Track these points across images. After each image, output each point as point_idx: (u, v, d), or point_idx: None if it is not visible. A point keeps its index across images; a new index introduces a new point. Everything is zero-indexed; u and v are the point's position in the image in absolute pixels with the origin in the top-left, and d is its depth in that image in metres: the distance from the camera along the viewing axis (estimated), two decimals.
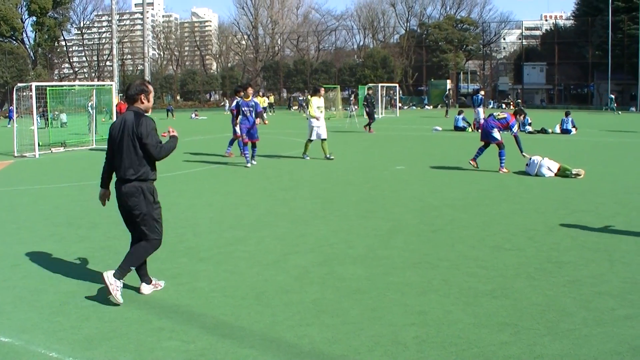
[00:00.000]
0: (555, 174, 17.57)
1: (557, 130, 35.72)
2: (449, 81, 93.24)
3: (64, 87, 36.43)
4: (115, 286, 7.35)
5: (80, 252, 9.93)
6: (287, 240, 10.55)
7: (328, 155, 22.45)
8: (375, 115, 50.39)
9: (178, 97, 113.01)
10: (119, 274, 7.46)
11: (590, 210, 12.88)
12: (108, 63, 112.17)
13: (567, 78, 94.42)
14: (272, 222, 12.08)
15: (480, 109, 37.35)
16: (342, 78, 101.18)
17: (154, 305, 7.34)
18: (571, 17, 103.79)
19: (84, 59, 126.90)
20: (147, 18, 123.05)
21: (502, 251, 9.68)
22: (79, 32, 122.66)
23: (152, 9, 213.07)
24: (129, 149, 7.55)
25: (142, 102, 7.75)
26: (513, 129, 18.22)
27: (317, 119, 21.95)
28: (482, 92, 40.61)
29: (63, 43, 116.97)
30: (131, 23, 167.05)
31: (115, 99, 33.51)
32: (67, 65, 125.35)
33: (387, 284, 8.04)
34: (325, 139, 22.48)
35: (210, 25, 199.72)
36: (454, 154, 20.05)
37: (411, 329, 6.52)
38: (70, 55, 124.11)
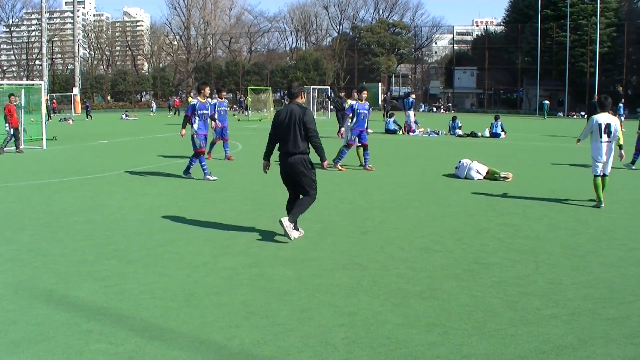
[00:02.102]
0: (484, 177, 17.83)
1: (487, 134, 36.20)
2: (380, 84, 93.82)
3: None
4: (290, 227, 10.40)
5: (7, 254, 9.74)
6: (216, 242, 10.51)
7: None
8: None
9: (109, 98, 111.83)
10: (292, 219, 10.51)
11: (518, 212, 13.11)
12: (37, 62, 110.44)
13: (497, 83, 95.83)
14: (202, 223, 12.02)
15: (411, 112, 37.83)
16: (274, 80, 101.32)
17: (82, 308, 7.25)
18: (502, 23, 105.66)
19: (13, 57, 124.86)
20: (78, 17, 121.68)
21: (431, 253, 9.79)
22: (8, 29, 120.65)
23: (83, 8, 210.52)
24: (295, 132, 10.40)
25: (302, 98, 11.00)
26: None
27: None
28: (413, 96, 41.07)
29: None
30: (61, 22, 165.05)
31: (44, 98, 32.98)
32: None
33: (317, 285, 8.07)
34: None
35: (142, 25, 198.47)
36: (384, 156, 20.17)
37: (340, 329, 6.56)
38: None
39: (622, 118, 40.36)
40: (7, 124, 27.11)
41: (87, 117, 66.57)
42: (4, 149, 27.04)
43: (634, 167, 20.47)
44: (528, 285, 8.09)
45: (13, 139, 27.33)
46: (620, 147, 13.92)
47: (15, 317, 6.98)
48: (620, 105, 41.80)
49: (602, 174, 13.93)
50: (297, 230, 10.76)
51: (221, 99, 21.82)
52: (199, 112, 18.02)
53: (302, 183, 10.58)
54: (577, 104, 79.23)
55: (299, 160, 10.44)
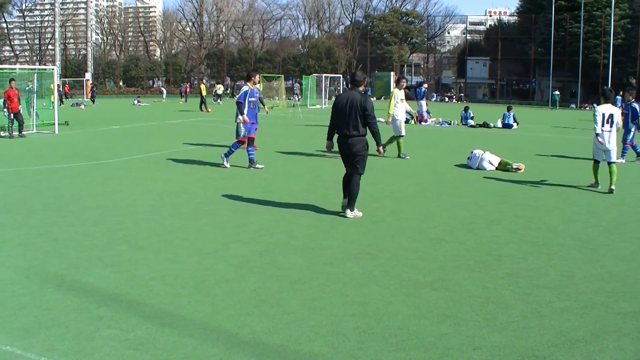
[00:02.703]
0: (497, 168, 17.76)
1: (499, 124, 36.10)
2: (392, 74, 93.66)
3: (4, 70, 35.71)
4: (356, 213, 11.76)
5: (18, 238, 9.76)
6: (227, 229, 10.50)
7: (403, 154, 20.49)
8: (317, 106, 50.21)
9: (121, 83, 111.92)
10: (352, 206, 11.76)
11: (529, 204, 13.05)
12: (50, 47, 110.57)
13: (509, 73, 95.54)
14: (213, 210, 12.02)
15: (423, 102, 37.75)
16: (286, 67, 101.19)
17: (93, 294, 7.25)
18: (515, 14, 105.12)
19: (26, 42, 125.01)
20: (91, 2, 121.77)
21: (442, 243, 9.76)
22: (21, 14, 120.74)
23: None
24: (355, 116, 11.37)
25: (364, 86, 12.23)
26: None
27: (390, 117, 20.25)
28: (425, 85, 40.97)
29: (4, 25, 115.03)
30: (74, 7, 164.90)
31: (57, 83, 32.97)
32: (7, 48, 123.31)
33: (328, 275, 8.05)
34: (403, 136, 20.66)
35: (155, 12, 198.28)
36: (394, 145, 20.11)
37: (351, 319, 6.54)
38: (11, 37, 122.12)
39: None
40: (5, 109, 27.14)
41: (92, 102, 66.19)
42: (13, 133, 27.10)
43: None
44: (540, 277, 8.06)
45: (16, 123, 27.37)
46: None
47: (26, 301, 6.98)
48: (618, 97, 41.56)
49: (606, 161, 14.83)
50: (354, 211, 11.82)
51: (251, 86, 21.70)
52: (249, 98, 17.72)
53: (355, 161, 11.64)
54: (589, 95, 78.87)
55: (356, 142, 11.49)
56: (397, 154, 20.48)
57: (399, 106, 20.21)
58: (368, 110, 11.36)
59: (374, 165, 18.32)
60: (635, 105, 20.04)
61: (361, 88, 11.86)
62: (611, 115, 14.66)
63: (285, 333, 6.18)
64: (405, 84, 21.01)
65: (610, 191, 14.59)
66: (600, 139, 14.72)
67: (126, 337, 6.05)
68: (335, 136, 11.97)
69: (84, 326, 6.29)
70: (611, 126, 14.68)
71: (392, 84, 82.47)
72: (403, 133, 20.31)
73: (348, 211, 11.72)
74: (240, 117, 17.47)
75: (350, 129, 11.41)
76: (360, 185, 11.62)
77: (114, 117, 43.04)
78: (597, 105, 15.59)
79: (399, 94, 20.31)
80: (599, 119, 14.73)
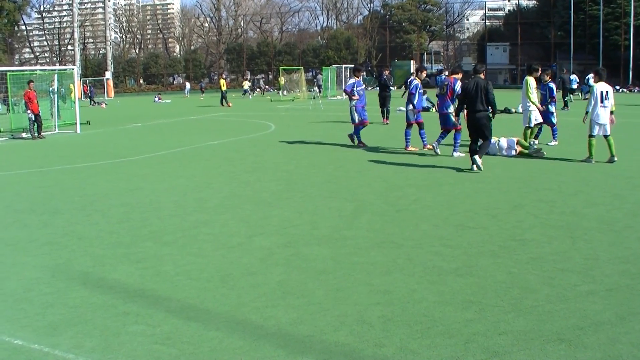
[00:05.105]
0: (518, 153, 17.66)
1: (520, 109, 35.83)
2: (412, 62, 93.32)
3: (25, 72, 35.97)
4: (480, 163, 15.03)
5: (43, 238, 9.85)
6: (251, 223, 10.53)
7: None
8: (337, 97, 50.15)
9: (141, 81, 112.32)
10: (480, 156, 15.14)
11: (552, 188, 12.99)
12: (69, 47, 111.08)
13: (529, 58, 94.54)
14: (236, 204, 12.06)
15: None
16: (305, 59, 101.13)
17: (119, 290, 7.30)
18: None
19: (45, 43, 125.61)
20: (109, 1, 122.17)
21: (466, 230, 9.74)
22: (40, 16, 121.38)
23: None
24: (480, 96, 15.11)
25: (484, 74, 15.99)
26: (456, 89, 18.07)
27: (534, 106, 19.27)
28: (446, 73, 40.72)
29: (23, 27, 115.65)
30: (92, 6, 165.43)
31: (78, 83, 33.16)
32: (27, 49, 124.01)
33: (352, 264, 8.06)
34: (532, 127, 19.46)
35: (173, 8, 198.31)
36: (417, 133, 20.07)
37: (376, 308, 6.55)
38: (30, 39, 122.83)
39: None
40: (29, 111, 27.34)
41: (90, 103, 62.43)
42: (36, 134, 27.31)
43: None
44: (564, 261, 8.02)
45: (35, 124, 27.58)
46: (611, 112, 16.05)
47: (53, 300, 7.04)
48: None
49: (603, 135, 15.94)
50: (480, 157, 15.15)
51: (358, 77, 21.73)
52: (356, 89, 20.58)
53: (484, 131, 15.35)
54: (611, 78, 78.21)
55: (483, 116, 15.30)
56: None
57: (534, 95, 19.07)
58: (490, 92, 15.08)
59: (395, 155, 18.31)
60: (552, 85, 19.84)
61: (482, 75, 15.76)
62: (607, 92, 15.86)
63: (311, 323, 6.20)
64: (425, 74, 20.83)
65: (611, 161, 15.89)
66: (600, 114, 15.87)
67: (153, 332, 6.09)
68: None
69: (111, 323, 6.34)
70: (607, 102, 15.82)
71: (413, 72, 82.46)
72: (532, 124, 19.21)
73: (476, 157, 15.08)
74: (352, 101, 20.62)
75: (478, 106, 15.15)
76: (383, 173, 11.62)
77: (135, 115, 43.24)
78: (620, 87, 16.10)
79: (533, 82, 19.19)
80: (598, 96, 15.85)
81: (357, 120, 20.69)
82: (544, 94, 19.90)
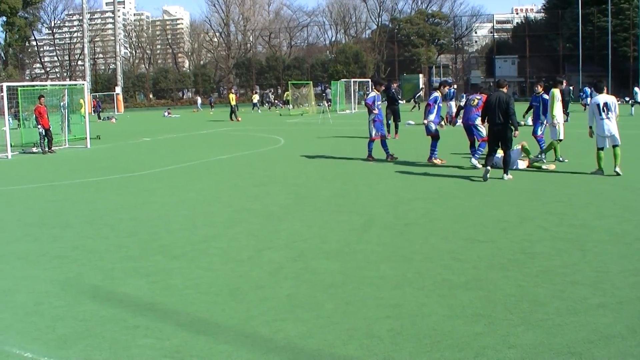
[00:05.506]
0: (528, 166, 17.65)
1: (529, 122, 35.80)
2: (421, 76, 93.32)
3: (36, 87, 36.13)
4: (509, 176, 15.92)
5: (54, 251, 9.88)
6: (260, 236, 10.54)
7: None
8: (347, 111, 50.11)
9: (151, 96, 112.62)
10: (506, 170, 16.02)
11: (562, 200, 12.97)
12: (80, 62, 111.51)
13: (538, 70, 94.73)
14: (245, 218, 12.07)
15: (452, 103, 37.57)
16: (314, 74, 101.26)
17: (128, 304, 7.31)
18: (542, 10, 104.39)
19: (56, 58, 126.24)
20: (119, 17, 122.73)
21: (476, 243, 9.72)
22: (50, 31, 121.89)
23: (123, 8, 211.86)
24: (501, 109, 15.54)
25: (506, 88, 16.55)
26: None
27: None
28: (455, 86, 40.78)
29: (34, 43, 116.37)
30: (102, 22, 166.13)
31: (88, 98, 33.29)
32: (38, 65, 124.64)
33: (361, 278, 8.05)
34: (562, 139, 19.21)
35: (182, 23, 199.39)
36: (426, 147, 20.09)
37: (386, 321, 6.54)
38: (41, 55, 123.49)
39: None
40: (39, 125, 27.49)
41: (99, 118, 62.48)
42: (46, 149, 27.44)
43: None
44: (575, 274, 8.00)
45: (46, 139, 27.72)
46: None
47: (62, 313, 7.06)
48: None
49: (611, 146, 15.82)
50: (508, 175, 16.02)
51: (378, 92, 21.79)
52: (377, 102, 20.93)
53: (505, 142, 15.90)
54: (620, 89, 78.13)
55: (504, 127, 15.69)
56: (554, 157, 19.17)
57: (558, 107, 18.85)
58: (510, 106, 15.53)
59: (405, 168, 18.31)
60: (546, 96, 19.66)
61: (504, 89, 16.31)
62: (606, 104, 15.80)
63: (320, 337, 6.20)
64: (447, 89, 21.53)
65: (617, 173, 15.63)
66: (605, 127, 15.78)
67: (162, 345, 6.10)
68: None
69: (120, 336, 6.35)
70: (608, 113, 15.76)
71: (421, 85, 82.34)
72: (562, 137, 18.96)
73: (505, 175, 15.89)
74: (371, 114, 20.75)
75: (498, 118, 15.63)
76: (392, 187, 11.61)
77: (144, 129, 43.37)
78: (630, 99, 16.22)
79: (558, 95, 18.96)
80: (595, 109, 15.97)
81: (374, 134, 20.70)
82: (537, 106, 19.77)
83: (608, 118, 15.72)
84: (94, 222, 12.11)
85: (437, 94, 19.79)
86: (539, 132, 19.70)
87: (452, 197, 13.74)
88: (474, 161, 17.53)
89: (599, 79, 17.05)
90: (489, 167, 15.73)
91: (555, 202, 12.86)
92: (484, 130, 17.76)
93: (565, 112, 36.72)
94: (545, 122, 19.44)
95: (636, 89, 48.35)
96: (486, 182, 15.40)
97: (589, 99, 41.09)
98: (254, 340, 6.16)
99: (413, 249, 9.46)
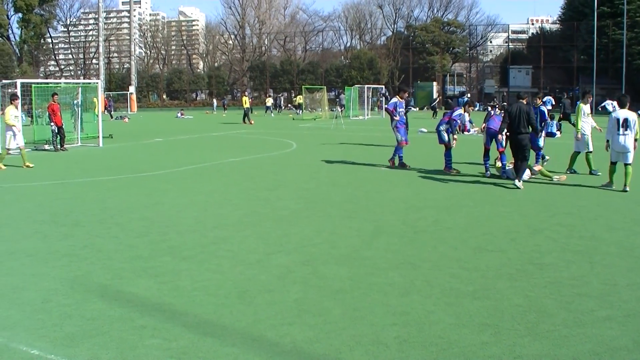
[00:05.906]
0: (533, 174, 17.64)
1: (542, 133, 35.77)
2: (435, 83, 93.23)
3: (50, 85, 36.26)
4: (521, 184, 16.16)
5: (63, 250, 9.92)
6: (270, 240, 10.56)
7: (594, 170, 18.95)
8: (360, 117, 50.07)
9: (164, 96, 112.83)
10: (520, 177, 16.34)
11: (572, 212, 12.95)
12: (94, 61, 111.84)
13: (552, 81, 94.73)
14: (256, 221, 12.08)
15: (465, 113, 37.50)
16: (328, 79, 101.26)
17: (137, 304, 7.34)
18: (557, 22, 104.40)
19: (70, 56, 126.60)
20: (134, 16, 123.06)
21: (484, 252, 9.72)
22: (65, 29, 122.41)
23: (139, 7, 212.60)
24: (522, 119, 16.33)
25: (526, 99, 17.13)
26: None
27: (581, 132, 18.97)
28: (468, 95, 40.77)
29: (49, 40, 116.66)
30: (118, 21, 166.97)
31: (101, 97, 33.38)
32: (52, 62, 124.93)
33: (370, 285, 8.06)
34: (591, 151, 19.04)
35: (197, 25, 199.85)
36: (439, 155, 20.07)
37: (393, 329, 6.55)
38: (56, 52, 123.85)
39: None
40: (52, 123, 27.61)
41: (111, 118, 62.22)
42: (58, 146, 27.54)
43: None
44: (582, 286, 8.00)
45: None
46: (635, 140, 15.66)
47: (70, 311, 7.09)
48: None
49: (623, 163, 15.64)
50: (520, 182, 16.28)
51: (402, 99, 21.82)
52: (399, 109, 20.85)
53: (524, 151, 16.38)
54: (634, 102, 77.81)
55: (525, 137, 16.43)
56: (588, 170, 19.04)
57: (587, 121, 19.02)
58: (531, 116, 16.44)
59: (416, 176, 18.31)
60: (544, 108, 20.03)
61: (525, 100, 16.88)
62: (626, 119, 15.60)
63: (327, 342, 6.21)
64: (473, 109, 22.92)
65: (624, 190, 15.49)
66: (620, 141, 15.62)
67: (169, 346, 6.12)
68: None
69: (127, 335, 6.38)
70: (626, 129, 15.58)
71: (435, 94, 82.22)
72: (591, 148, 18.91)
73: (516, 181, 16.21)
74: (394, 121, 20.79)
75: (519, 128, 16.36)
76: (403, 195, 11.60)
77: (157, 129, 43.46)
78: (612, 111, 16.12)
79: (585, 109, 19.14)
80: (614, 124, 15.73)
81: (399, 139, 20.68)
82: (535, 117, 19.83)
83: (625, 135, 15.55)
84: (104, 221, 12.15)
85: (460, 110, 20.46)
86: (541, 143, 19.87)
87: (462, 206, 13.74)
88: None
89: (624, 94, 16.87)
90: (516, 181, 16.21)
91: (565, 213, 12.85)
92: (504, 141, 17.87)
93: (559, 126, 36.86)
94: (543, 134, 19.85)
95: None
96: (497, 192, 15.40)
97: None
98: (261, 344, 6.18)
99: (422, 257, 9.47)
